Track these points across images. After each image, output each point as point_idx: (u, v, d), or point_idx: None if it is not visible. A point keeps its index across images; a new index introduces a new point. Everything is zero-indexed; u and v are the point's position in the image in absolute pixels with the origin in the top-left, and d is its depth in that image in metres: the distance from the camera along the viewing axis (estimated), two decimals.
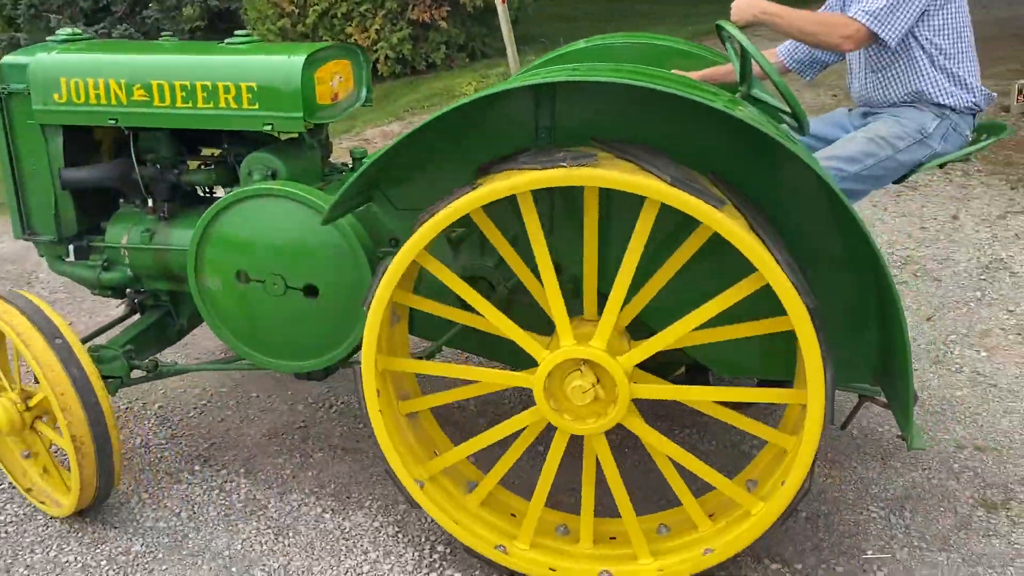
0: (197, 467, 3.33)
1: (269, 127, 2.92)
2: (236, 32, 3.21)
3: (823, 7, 3.19)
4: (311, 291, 2.84)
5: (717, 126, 2.30)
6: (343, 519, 3.00)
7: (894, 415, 2.54)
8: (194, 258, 2.90)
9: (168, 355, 3.72)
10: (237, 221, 2.83)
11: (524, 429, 2.54)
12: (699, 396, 2.50)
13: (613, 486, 2.51)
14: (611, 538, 2.65)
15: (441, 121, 2.31)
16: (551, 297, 2.36)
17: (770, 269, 2.14)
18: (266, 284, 2.85)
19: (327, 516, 3.02)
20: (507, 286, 2.77)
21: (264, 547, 2.89)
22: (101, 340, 3.30)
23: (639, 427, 2.45)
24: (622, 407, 2.38)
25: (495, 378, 2.58)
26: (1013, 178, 6.09)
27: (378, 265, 2.45)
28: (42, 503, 3.02)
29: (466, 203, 2.25)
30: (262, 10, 11.47)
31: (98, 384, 2.76)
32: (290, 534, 2.94)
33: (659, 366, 2.94)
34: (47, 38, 3.25)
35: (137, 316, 3.47)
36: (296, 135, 3.07)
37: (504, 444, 2.60)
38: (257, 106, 2.91)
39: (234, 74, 2.91)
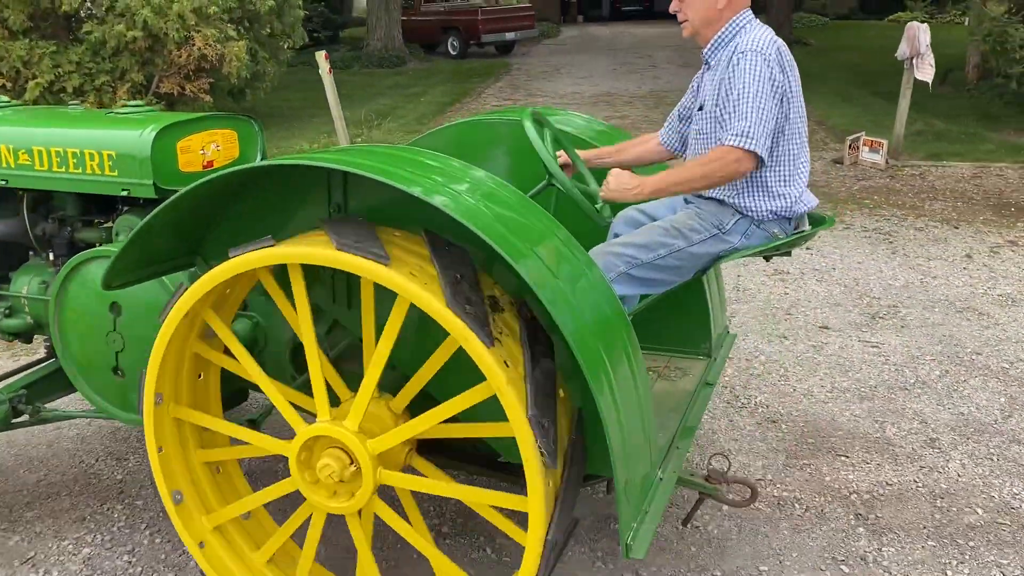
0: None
1: (126, 192, 3.11)
2: (128, 103, 3.45)
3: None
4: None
5: None
6: None
7: None
8: (53, 311, 3.10)
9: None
10: (80, 280, 3.01)
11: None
12: (444, 491, 2.46)
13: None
14: None
15: (206, 187, 2.40)
16: (312, 373, 2.41)
17: (447, 320, 2.08)
18: (107, 339, 3.01)
19: None
20: (333, 353, 2.84)
21: None
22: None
23: (385, 512, 2.44)
24: (367, 490, 2.37)
25: (260, 442, 2.62)
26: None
27: (163, 307, 2.51)
28: None
29: (202, 283, 2.35)
30: None
31: None
32: None
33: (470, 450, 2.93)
34: None
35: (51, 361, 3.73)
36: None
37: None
38: (116, 172, 3.10)
39: (98, 143, 3.12)
